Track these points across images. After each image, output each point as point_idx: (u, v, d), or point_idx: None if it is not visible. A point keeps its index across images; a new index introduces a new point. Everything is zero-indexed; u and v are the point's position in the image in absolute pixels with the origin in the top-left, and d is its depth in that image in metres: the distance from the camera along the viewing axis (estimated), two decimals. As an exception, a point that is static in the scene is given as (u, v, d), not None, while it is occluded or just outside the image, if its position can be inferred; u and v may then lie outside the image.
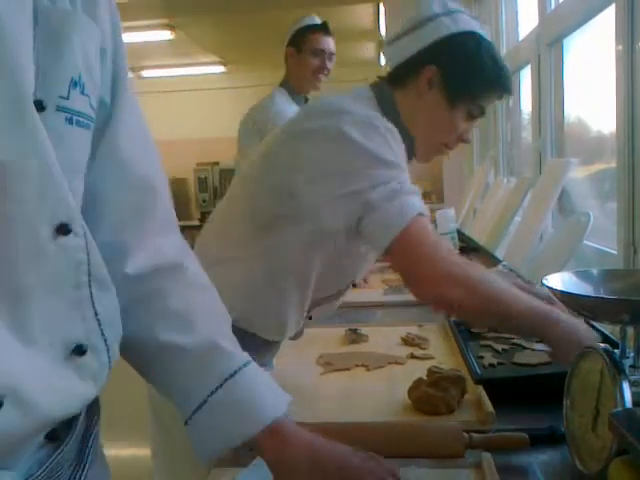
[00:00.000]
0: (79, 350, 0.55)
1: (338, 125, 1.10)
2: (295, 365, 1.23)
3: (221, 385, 0.68)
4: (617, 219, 1.70)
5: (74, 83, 0.55)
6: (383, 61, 5.41)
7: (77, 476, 0.58)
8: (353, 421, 1.01)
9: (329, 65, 2.73)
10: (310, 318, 1.30)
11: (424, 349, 1.42)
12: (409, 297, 2.00)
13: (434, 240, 1.10)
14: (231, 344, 0.73)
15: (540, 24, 2.64)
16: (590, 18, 2.10)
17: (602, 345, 0.81)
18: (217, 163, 8.48)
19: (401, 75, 1.21)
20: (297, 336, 1.30)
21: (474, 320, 1.16)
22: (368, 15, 6.12)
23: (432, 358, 1.34)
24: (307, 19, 2.78)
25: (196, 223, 7.96)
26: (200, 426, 0.69)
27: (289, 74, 2.78)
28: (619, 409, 0.72)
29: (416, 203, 1.08)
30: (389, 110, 1.19)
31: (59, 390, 0.53)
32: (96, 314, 0.57)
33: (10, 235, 0.49)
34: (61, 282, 0.53)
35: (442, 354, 1.37)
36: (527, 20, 3.10)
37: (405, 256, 1.08)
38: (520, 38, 3.26)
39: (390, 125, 1.13)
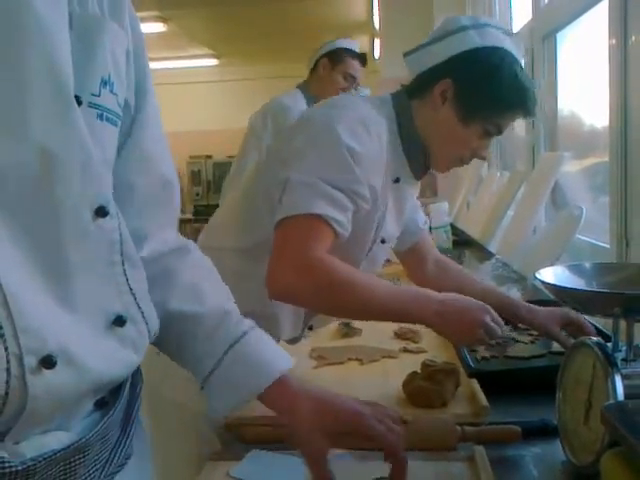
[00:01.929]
0: (119, 321, 0.60)
1: (328, 116, 1.11)
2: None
3: (234, 345, 0.74)
4: (609, 213, 1.71)
5: (104, 82, 0.60)
6: (377, 54, 5.40)
7: (123, 440, 0.64)
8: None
9: (352, 91, 2.87)
10: (311, 328, 1.30)
11: (417, 343, 1.42)
12: (402, 291, 2.01)
13: (314, 238, 1.03)
14: (237, 311, 0.79)
15: (534, 18, 2.64)
16: (583, 12, 2.10)
17: (594, 338, 0.82)
18: (210, 156, 8.45)
19: (419, 86, 1.19)
20: (295, 341, 1.28)
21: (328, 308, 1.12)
22: (362, 8, 6.10)
23: (425, 352, 1.35)
24: (350, 42, 2.91)
25: (189, 217, 7.93)
26: (216, 384, 0.74)
27: (313, 81, 2.86)
28: (611, 402, 0.73)
29: (326, 209, 1.03)
30: (405, 119, 1.18)
31: (104, 356, 0.58)
32: (131, 289, 0.63)
33: (58, 217, 0.54)
34: (98, 260, 0.59)
35: (435, 347, 1.38)
36: (521, 13, 3.10)
37: (276, 241, 1.05)
38: (514, 31, 3.26)
39: (382, 132, 1.12)
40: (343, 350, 1.37)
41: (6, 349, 0.49)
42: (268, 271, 1.03)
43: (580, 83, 2.31)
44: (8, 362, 0.49)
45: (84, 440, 0.57)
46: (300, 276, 1.01)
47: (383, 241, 1.25)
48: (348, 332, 1.50)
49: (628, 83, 1.60)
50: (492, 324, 1.04)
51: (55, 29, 0.53)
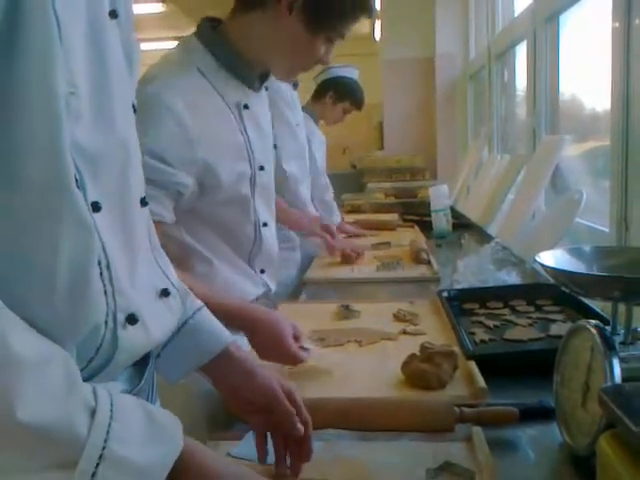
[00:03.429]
0: (165, 293, 0.72)
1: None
2: (288, 340, 1.24)
3: (193, 315, 0.83)
4: (610, 197, 1.71)
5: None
6: (378, 37, 5.37)
7: (152, 390, 0.74)
8: (346, 396, 1.02)
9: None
10: (263, 272, 1.42)
11: (416, 325, 1.42)
12: (401, 274, 2.02)
13: None
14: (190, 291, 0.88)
15: (536, 0, 2.62)
16: (587, -6, 2.08)
17: (593, 321, 0.82)
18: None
19: None
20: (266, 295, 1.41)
21: None
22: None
23: (424, 334, 1.35)
24: None
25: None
26: (175, 350, 0.82)
27: None
28: (609, 384, 0.73)
29: None
30: (217, 46, 1.24)
31: (160, 320, 0.69)
32: (163, 271, 0.74)
33: (130, 201, 0.65)
34: (144, 242, 0.70)
35: (433, 330, 1.38)
36: (523, -5, 3.07)
37: None
38: (516, 14, 3.24)
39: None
40: (343, 332, 1.37)
41: (107, 304, 0.58)
42: None
43: (582, 66, 2.30)
44: (107, 316, 0.58)
45: (137, 389, 0.66)
46: None
47: (262, 167, 1.32)
48: (347, 314, 1.51)
49: (630, 67, 1.60)
50: (297, 350, 1.10)
51: (119, 52, 0.64)
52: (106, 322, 0.58)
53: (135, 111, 0.68)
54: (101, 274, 0.57)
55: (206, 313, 0.86)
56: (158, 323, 0.68)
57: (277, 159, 2.08)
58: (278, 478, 0.79)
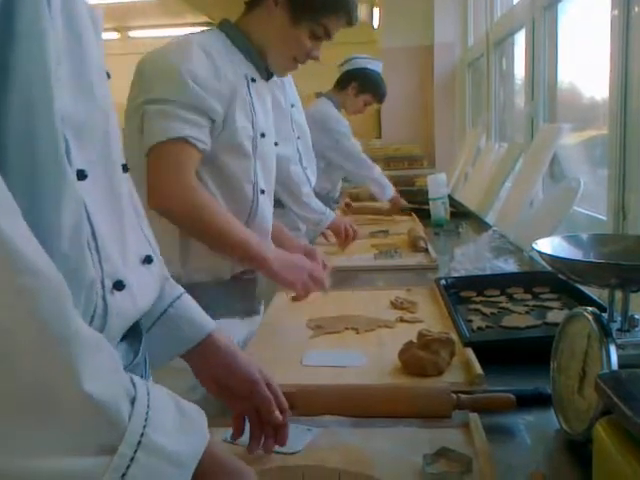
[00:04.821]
0: (149, 260, 0.72)
1: (162, 54, 1.32)
2: (285, 328, 1.24)
3: (172, 304, 0.83)
4: (607, 185, 1.71)
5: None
6: (376, 23, 5.34)
7: (146, 367, 0.75)
8: (344, 383, 1.02)
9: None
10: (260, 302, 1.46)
11: (413, 313, 1.43)
12: (399, 262, 2.02)
13: (182, 164, 1.24)
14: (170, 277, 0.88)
15: (535, -13, 2.60)
16: (586, -19, 2.07)
17: (590, 309, 0.82)
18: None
19: None
20: (250, 314, 1.44)
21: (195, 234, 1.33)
22: (361, -24, 6.01)
23: (421, 322, 1.35)
24: None
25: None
26: (155, 337, 0.81)
27: None
28: (605, 371, 0.74)
29: (184, 130, 1.23)
30: (235, 36, 1.40)
31: (145, 286, 0.70)
32: (146, 236, 0.75)
33: (114, 169, 0.66)
34: (129, 208, 0.70)
35: (430, 318, 1.39)
36: (522, -17, 3.05)
37: (151, 166, 1.24)
38: (515, 1, 3.22)
39: (206, 42, 1.32)
40: (340, 320, 1.38)
41: (95, 271, 0.59)
42: (148, 195, 1.20)
43: (581, 54, 2.29)
44: (96, 283, 0.59)
45: (132, 364, 0.66)
46: (174, 202, 1.23)
47: (263, 135, 1.43)
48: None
49: (629, 55, 1.59)
50: (315, 273, 1.31)
51: (87, 17, 0.64)
52: (96, 290, 0.59)
53: (109, 77, 0.69)
54: (88, 243, 0.58)
55: (187, 300, 0.85)
56: (143, 289, 0.69)
57: None
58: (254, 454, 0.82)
